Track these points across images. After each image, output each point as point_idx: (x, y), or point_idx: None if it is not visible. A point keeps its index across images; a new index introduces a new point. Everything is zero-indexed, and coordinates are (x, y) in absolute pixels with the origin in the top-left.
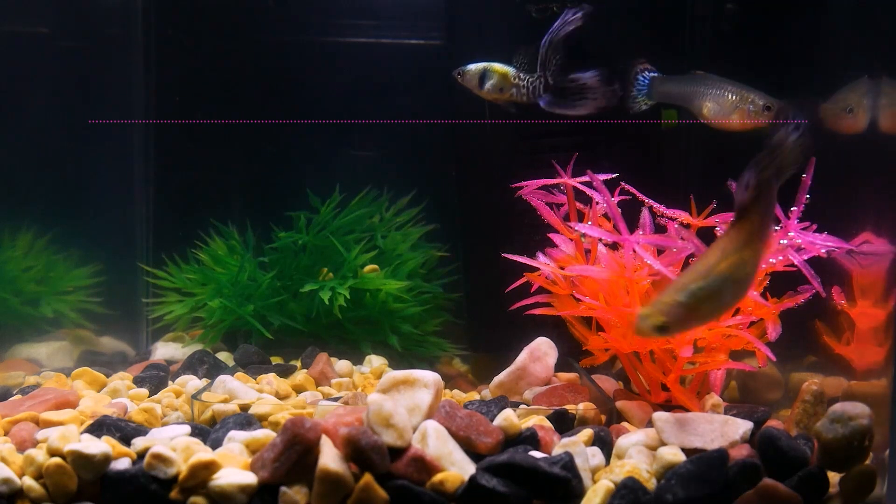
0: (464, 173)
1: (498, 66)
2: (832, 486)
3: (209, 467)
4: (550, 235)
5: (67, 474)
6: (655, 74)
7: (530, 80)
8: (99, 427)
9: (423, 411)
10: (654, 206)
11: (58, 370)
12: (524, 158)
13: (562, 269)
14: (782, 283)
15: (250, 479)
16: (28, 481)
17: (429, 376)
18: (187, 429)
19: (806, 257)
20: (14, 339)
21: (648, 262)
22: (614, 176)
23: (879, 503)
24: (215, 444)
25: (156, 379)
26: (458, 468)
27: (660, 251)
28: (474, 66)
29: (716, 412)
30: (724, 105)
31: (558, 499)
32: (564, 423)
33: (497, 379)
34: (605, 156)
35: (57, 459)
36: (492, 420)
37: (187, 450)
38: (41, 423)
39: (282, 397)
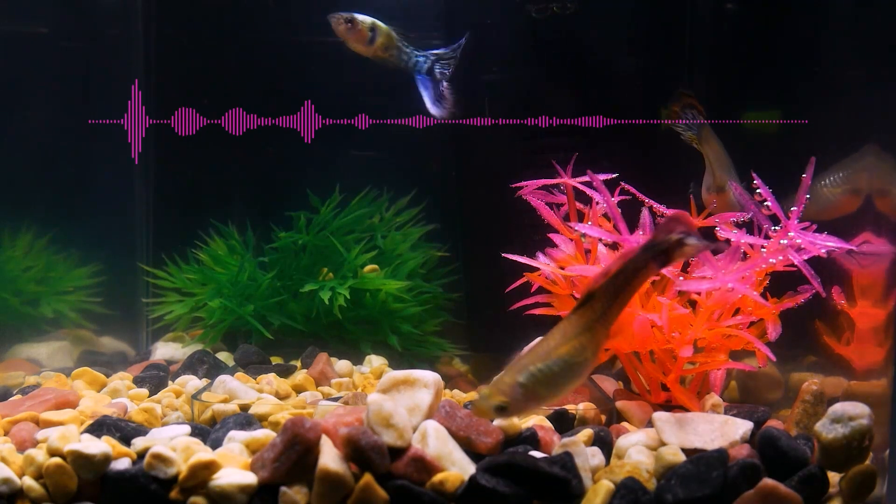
0: (464, 173)
1: (382, 24)
2: (832, 486)
3: (209, 467)
4: (550, 235)
5: (67, 474)
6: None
7: (415, 52)
8: (99, 427)
9: (423, 411)
10: (654, 206)
11: (58, 370)
12: (524, 158)
13: (562, 269)
14: (782, 283)
15: (250, 479)
16: (28, 481)
17: (429, 376)
18: (187, 429)
19: (806, 257)
20: (14, 339)
21: None
22: (614, 176)
23: (879, 503)
24: (215, 444)
25: (156, 379)
26: (458, 468)
27: None
28: (363, 17)
29: (716, 412)
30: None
31: (558, 499)
32: (564, 423)
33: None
34: (605, 156)
35: (57, 459)
36: (492, 420)
37: (187, 450)
38: (41, 423)
39: (282, 397)
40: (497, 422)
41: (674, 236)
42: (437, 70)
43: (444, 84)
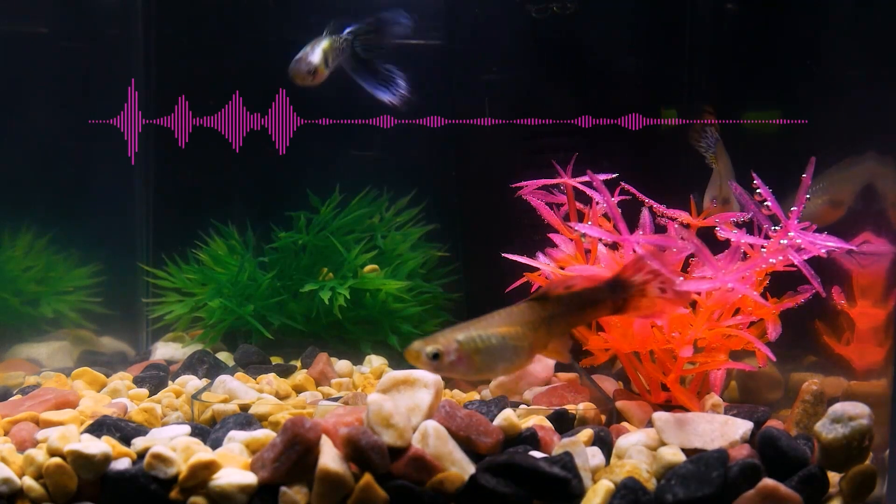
0: (464, 173)
1: (323, 44)
2: (832, 486)
3: (209, 467)
4: (550, 235)
5: (67, 474)
6: (718, 136)
7: (342, 40)
8: (99, 427)
9: (423, 411)
10: (654, 206)
11: (58, 370)
12: (524, 158)
13: (562, 269)
14: (782, 283)
15: (250, 479)
16: (28, 481)
17: (429, 376)
18: (187, 429)
19: (806, 257)
20: (14, 339)
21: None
22: (614, 176)
23: (879, 503)
24: (215, 444)
25: (156, 379)
26: (458, 468)
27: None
28: (317, 57)
29: (716, 412)
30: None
31: (558, 499)
32: (564, 423)
33: (497, 379)
34: (605, 156)
35: (57, 459)
36: (492, 420)
37: (187, 450)
38: (41, 423)
39: (282, 397)
40: (497, 421)
41: (638, 278)
42: (360, 49)
43: (381, 64)
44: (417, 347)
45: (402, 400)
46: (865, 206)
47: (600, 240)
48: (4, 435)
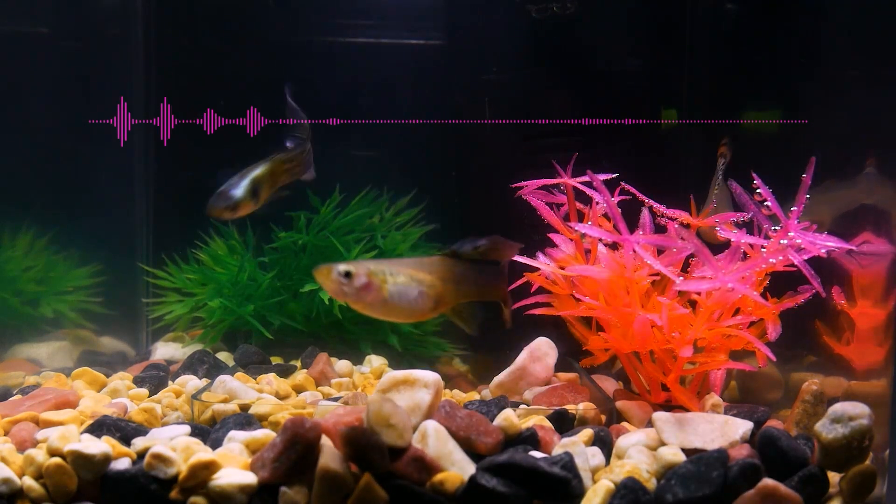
0: (464, 173)
1: (260, 171)
2: (832, 486)
3: (209, 467)
4: (550, 235)
5: (67, 474)
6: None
7: (296, 151)
8: (99, 427)
9: (423, 411)
10: (654, 206)
11: (58, 370)
12: (524, 158)
13: (562, 269)
14: (782, 283)
15: (250, 479)
16: (28, 481)
17: (429, 376)
18: (187, 429)
19: (806, 257)
20: (14, 339)
21: (648, 262)
22: (614, 176)
23: (879, 503)
24: (215, 444)
25: (156, 379)
26: (458, 468)
27: (660, 251)
28: (241, 190)
29: (716, 412)
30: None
31: (558, 499)
32: (564, 423)
33: (497, 379)
34: (606, 156)
35: (57, 459)
36: (492, 420)
37: (187, 450)
38: (41, 423)
39: (282, 397)
40: (497, 421)
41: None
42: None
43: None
44: (328, 265)
45: (402, 400)
46: (865, 207)
47: (600, 240)
48: (4, 435)
